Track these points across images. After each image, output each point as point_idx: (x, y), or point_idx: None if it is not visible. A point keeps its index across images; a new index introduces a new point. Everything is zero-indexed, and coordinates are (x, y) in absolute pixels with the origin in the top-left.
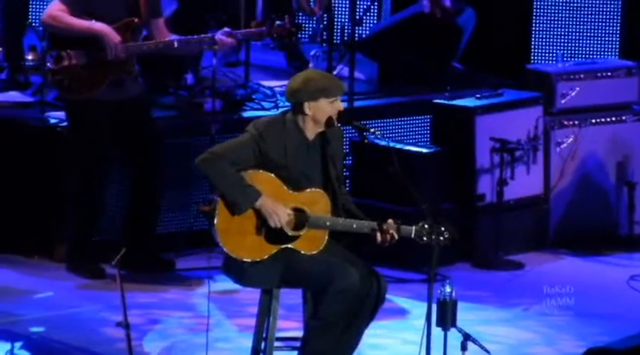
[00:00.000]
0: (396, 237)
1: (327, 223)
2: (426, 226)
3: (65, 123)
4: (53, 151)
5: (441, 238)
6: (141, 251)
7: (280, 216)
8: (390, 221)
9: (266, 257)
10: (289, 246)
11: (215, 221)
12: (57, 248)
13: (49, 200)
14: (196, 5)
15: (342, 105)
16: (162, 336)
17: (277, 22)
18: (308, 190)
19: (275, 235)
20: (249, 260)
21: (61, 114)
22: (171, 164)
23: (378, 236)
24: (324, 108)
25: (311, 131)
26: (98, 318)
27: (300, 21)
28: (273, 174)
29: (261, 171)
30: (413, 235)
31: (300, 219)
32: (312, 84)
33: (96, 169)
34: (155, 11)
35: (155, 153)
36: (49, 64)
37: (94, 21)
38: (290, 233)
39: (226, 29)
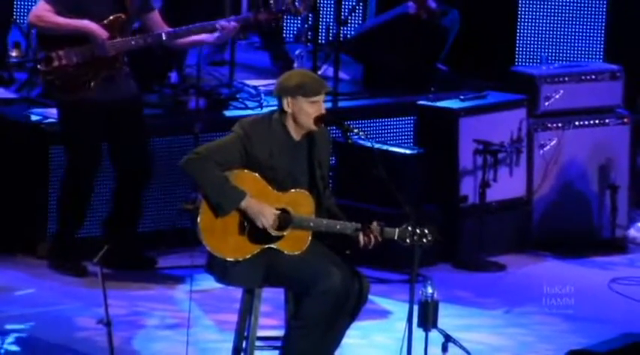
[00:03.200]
0: (379, 239)
1: (311, 224)
2: (409, 229)
3: (49, 120)
4: (37, 148)
5: (424, 240)
6: (123, 248)
7: (267, 216)
8: (374, 223)
9: (249, 256)
10: (272, 246)
11: (198, 219)
12: (39, 245)
13: (32, 197)
14: (180, 4)
15: (323, 108)
16: (143, 333)
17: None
18: (292, 191)
19: (258, 235)
20: (231, 259)
21: (45, 111)
22: (154, 162)
23: (361, 238)
24: (304, 108)
25: (295, 131)
26: (80, 315)
27: (284, 21)
28: (257, 174)
29: (245, 170)
30: (396, 237)
31: (284, 219)
32: (292, 80)
33: (85, 168)
34: (145, 6)
35: (142, 154)
36: (39, 66)
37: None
38: (274, 233)
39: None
